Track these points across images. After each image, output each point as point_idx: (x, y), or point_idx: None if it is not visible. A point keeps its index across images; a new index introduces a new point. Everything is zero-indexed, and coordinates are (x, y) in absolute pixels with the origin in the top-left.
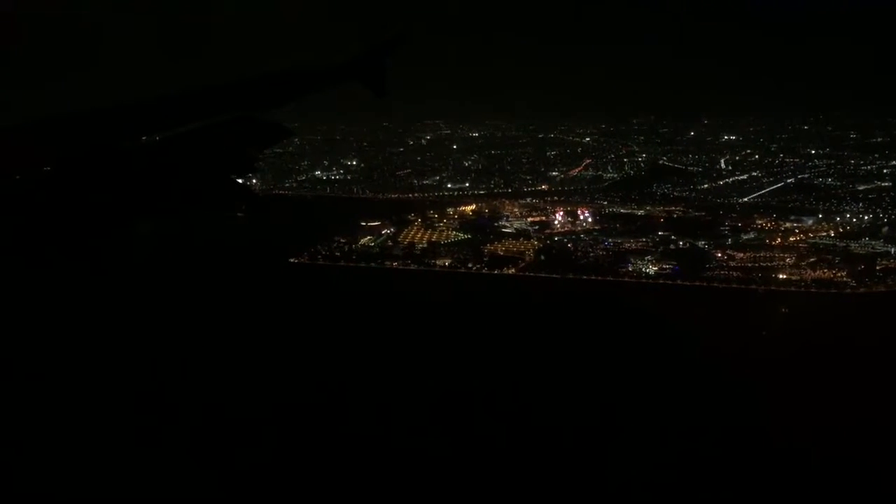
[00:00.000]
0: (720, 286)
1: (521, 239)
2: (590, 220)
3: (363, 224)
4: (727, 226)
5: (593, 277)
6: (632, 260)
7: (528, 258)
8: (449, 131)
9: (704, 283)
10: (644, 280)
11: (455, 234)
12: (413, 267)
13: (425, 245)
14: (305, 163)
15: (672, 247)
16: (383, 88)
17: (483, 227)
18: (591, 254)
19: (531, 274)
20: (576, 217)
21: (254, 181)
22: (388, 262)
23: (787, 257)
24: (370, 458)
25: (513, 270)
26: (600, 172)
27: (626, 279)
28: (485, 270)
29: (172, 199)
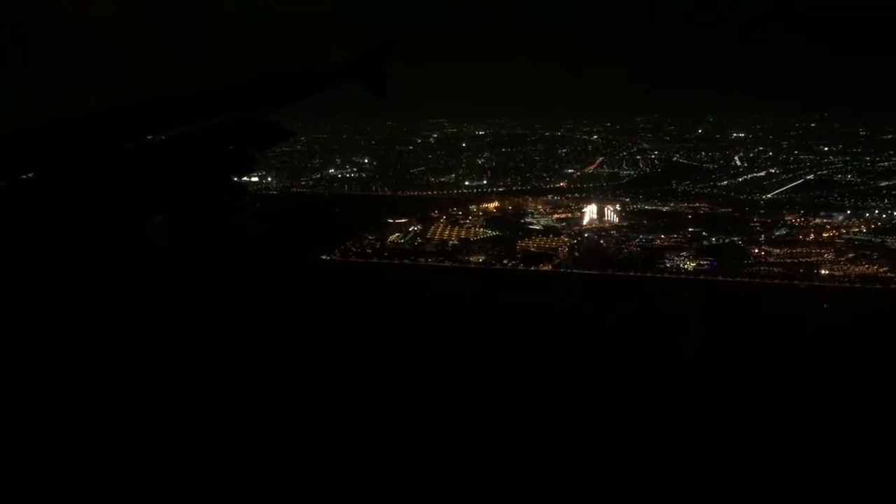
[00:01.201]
0: (769, 282)
1: (551, 235)
2: (616, 216)
3: (390, 221)
4: (756, 222)
5: (633, 274)
6: (668, 256)
7: (561, 255)
8: (455, 129)
9: (746, 279)
10: (686, 276)
11: (483, 231)
12: (447, 264)
13: (457, 242)
14: (317, 161)
15: (705, 243)
16: (383, 89)
17: (510, 224)
18: (625, 250)
19: (574, 271)
20: (602, 213)
21: (269, 179)
22: (421, 259)
23: (824, 253)
24: (426, 456)
25: (549, 267)
26: (616, 170)
27: (666, 275)
28: (521, 267)
29: (174, 201)
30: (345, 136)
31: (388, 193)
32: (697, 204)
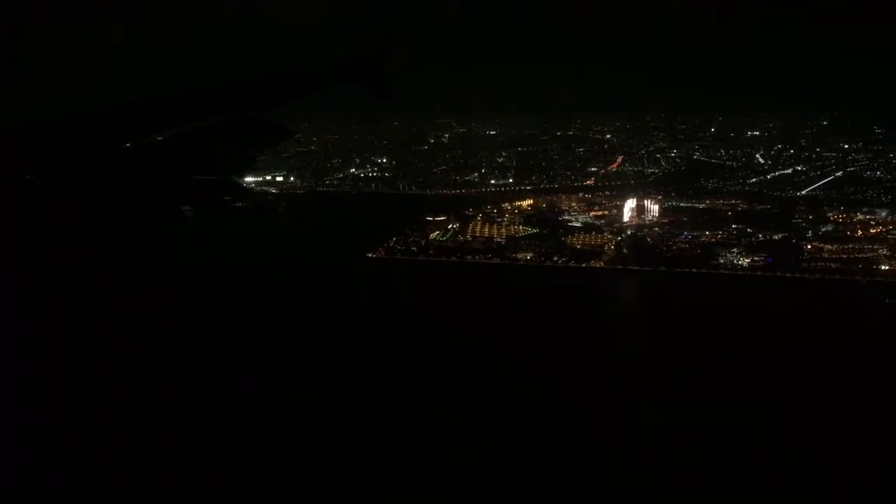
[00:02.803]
0: (830, 278)
1: (593, 233)
2: (654, 213)
3: (429, 219)
4: (799, 218)
5: (691, 270)
6: (719, 252)
7: (609, 251)
8: (464, 130)
9: (806, 275)
10: (743, 272)
11: (524, 229)
12: (496, 261)
13: (501, 240)
14: (337, 161)
15: (753, 240)
16: (383, 89)
17: (549, 222)
18: (674, 247)
19: (629, 267)
20: (640, 211)
21: (292, 179)
22: (468, 256)
23: (878, 248)
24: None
25: (600, 264)
26: (640, 168)
27: (723, 271)
28: (572, 264)
29: (174, 201)
30: (356, 136)
31: (417, 192)
32: (733, 201)
